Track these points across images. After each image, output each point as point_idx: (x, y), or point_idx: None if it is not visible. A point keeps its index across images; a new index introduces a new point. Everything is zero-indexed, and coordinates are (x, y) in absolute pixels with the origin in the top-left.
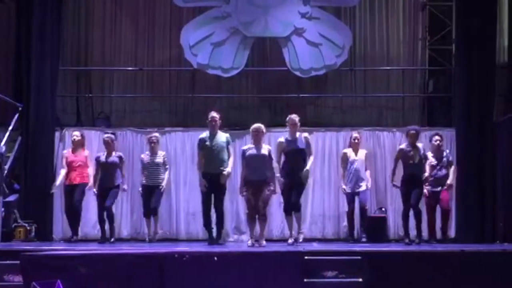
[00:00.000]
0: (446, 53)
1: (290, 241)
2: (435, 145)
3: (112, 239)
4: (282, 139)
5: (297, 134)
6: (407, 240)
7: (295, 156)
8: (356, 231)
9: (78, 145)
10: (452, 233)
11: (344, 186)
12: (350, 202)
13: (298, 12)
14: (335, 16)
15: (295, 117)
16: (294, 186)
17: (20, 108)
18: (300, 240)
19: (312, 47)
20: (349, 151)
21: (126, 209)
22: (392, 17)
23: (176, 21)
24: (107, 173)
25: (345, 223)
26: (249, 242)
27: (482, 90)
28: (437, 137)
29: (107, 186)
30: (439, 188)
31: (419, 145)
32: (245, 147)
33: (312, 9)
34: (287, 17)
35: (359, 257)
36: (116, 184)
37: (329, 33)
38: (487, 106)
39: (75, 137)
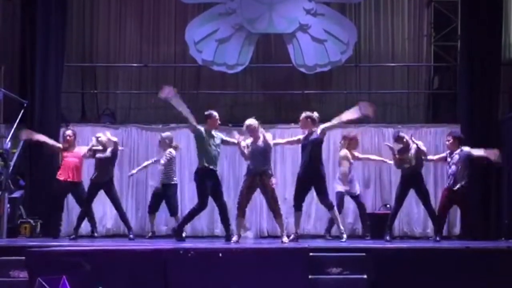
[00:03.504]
0: (451, 50)
1: (292, 236)
2: (448, 145)
3: (131, 235)
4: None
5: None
6: (387, 238)
7: (311, 150)
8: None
9: (71, 144)
10: (457, 230)
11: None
12: (341, 202)
13: (303, 8)
14: (340, 13)
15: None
16: (313, 183)
17: (25, 105)
18: (344, 239)
19: (317, 43)
20: (347, 152)
21: (131, 206)
22: (397, 13)
23: (181, 18)
24: (100, 168)
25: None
26: (234, 238)
27: (487, 87)
28: (448, 137)
29: (98, 181)
30: (456, 187)
31: (413, 146)
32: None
33: (316, 5)
34: (292, 13)
35: (363, 254)
36: (108, 179)
37: (334, 30)
38: (491, 103)
39: (68, 137)
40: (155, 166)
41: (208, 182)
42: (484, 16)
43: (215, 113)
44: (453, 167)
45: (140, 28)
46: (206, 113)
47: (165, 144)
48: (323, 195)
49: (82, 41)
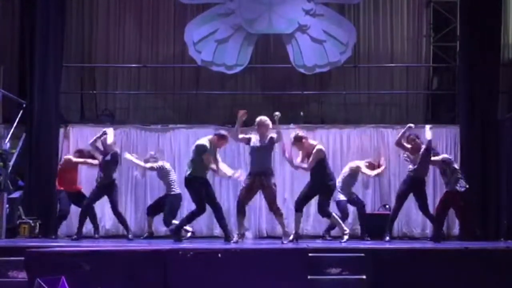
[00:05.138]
0: (450, 50)
1: (290, 238)
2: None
3: (130, 236)
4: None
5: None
6: (387, 238)
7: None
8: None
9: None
10: (456, 231)
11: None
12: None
13: (302, 9)
14: (339, 13)
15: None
16: (319, 189)
17: (24, 105)
18: (344, 240)
19: (316, 44)
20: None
21: (130, 207)
22: (396, 14)
23: (180, 18)
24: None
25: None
26: (235, 238)
27: (486, 87)
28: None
29: (104, 182)
30: (449, 188)
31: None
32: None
33: (316, 6)
34: (291, 14)
35: (362, 254)
36: (112, 180)
37: (333, 30)
38: (491, 103)
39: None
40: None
41: (202, 188)
42: (483, 16)
43: (228, 136)
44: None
45: (139, 28)
46: (221, 132)
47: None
48: (323, 206)
49: (81, 42)
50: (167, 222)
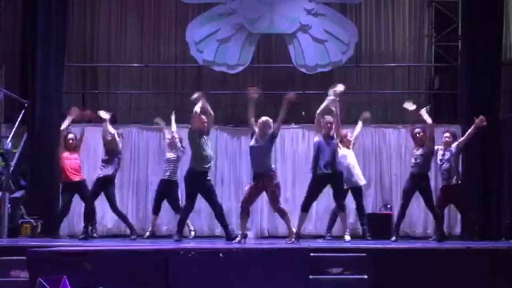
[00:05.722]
0: (452, 50)
1: (293, 239)
2: (444, 142)
3: (134, 236)
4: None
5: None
6: (393, 238)
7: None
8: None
9: (72, 147)
10: (457, 230)
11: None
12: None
13: (304, 9)
14: (340, 13)
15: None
16: (331, 184)
17: (26, 105)
18: (347, 239)
19: (318, 43)
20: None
21: (132, 206)
22: (398, 13)
23: (182, 18)
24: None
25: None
26: (238, 238)
27: (488, 87)
28: (447, 134)
29: (104, 177)
30: (452, 182)
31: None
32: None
33: (317, 6)
34: (293, 13)
35: (364, 254)
36: (111, 173)
37: (335, 30)
38: (492, 103)
39: (70, 141)
40: (158, 166)
41: (198, 184)
42: (485, 16)
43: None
44: (446, 164)
45: (141, 28)
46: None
47: (176, 143)
48: (338, 198)
49: (83, 41)
50: (175, 208)
